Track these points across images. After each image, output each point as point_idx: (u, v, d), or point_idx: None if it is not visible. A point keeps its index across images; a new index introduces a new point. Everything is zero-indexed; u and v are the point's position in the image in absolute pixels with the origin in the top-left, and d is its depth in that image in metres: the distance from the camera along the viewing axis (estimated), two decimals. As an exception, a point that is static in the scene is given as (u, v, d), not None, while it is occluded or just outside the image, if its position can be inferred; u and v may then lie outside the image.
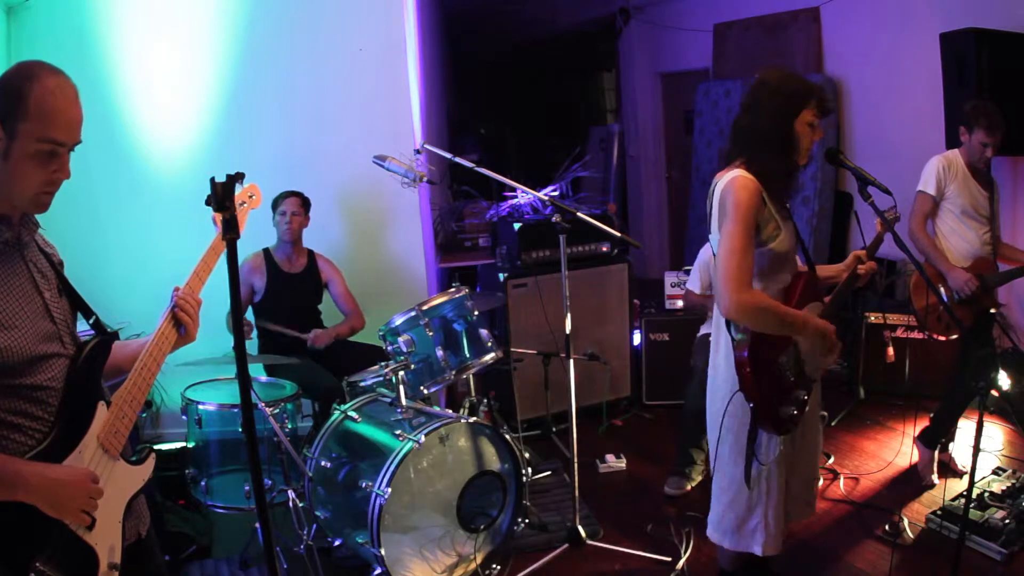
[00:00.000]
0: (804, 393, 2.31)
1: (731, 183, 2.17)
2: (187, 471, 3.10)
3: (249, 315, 3.84)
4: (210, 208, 1.53)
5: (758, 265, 2.22)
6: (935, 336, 3.51)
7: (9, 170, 1.43)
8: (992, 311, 3.50)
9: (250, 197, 1.91)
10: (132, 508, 1.60)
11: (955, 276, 3.35)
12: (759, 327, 2.18)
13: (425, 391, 3.11)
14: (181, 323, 1.65)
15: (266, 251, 3.84)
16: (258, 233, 3.76)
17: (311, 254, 3.93)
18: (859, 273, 2.54)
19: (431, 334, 3.13)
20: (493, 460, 2.93)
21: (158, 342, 1.61)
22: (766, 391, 2.21)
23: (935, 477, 3.54)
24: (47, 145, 1.43)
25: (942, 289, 3.38)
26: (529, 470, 3.10)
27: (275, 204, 3.74)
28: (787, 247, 2.26)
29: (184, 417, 3.10)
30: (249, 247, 3.83)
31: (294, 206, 3.75)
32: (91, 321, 1.64)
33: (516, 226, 4.36)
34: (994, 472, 3.48)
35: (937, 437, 3.58)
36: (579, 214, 3.01)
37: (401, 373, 2.98)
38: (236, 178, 1.53)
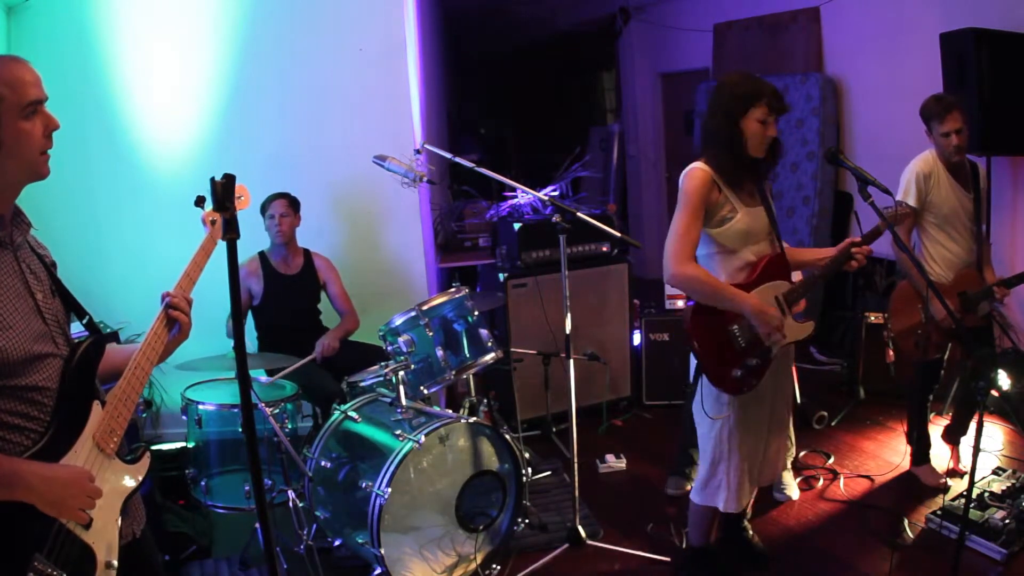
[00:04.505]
0: (755, 360, 2.51)
1: (685, 174, 2.47)
2: (187, 471, 3.10)
3: (249, 320, 3.83)
4: (200, 209, 1.53)
5: (716, 243, 2.49)
6: (911, 360, 3.42)
7: (7, 149, 1.45)
8: (984, 320, 3.39)
9: (238, 198, 1.90)
10: (128, 507, 1.60)
11: (935, 307, 3.20)
12: (694, 296, 2.48)
13: (425, 391, 3.10)
14: (176, 321, 1.67)
15: (261, 255, 3.83)
16: (252, 237, 3.75)
17: (307, 254, 3.92)
18: (853, 254, 2.54)
19: (431, 334, 3.13)
20: (493, 460, 2.94)
21: (151, 341, 1.62)
22: (709, 347, 2.48)
23: (942, 479, 3.52)
24: (30, 108, 1.47)
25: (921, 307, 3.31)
26: (529, 470, 3.10)
27: (263, 208, 3.71)
28: (745, 228, 2.47)
29: (184, 417, 3.10)
30: (243, 252, 3.81)
31: (282, 208, 3.72)
32: (84, 321, 1.65)
33: (516, 226, 4.36)
34: (994, 472, 3.48)
35: (960, 432, 3.61)
36: (579, 214, 3.01)
37: (401, 373, 2.98)
38: (230, 179, 1.53)
